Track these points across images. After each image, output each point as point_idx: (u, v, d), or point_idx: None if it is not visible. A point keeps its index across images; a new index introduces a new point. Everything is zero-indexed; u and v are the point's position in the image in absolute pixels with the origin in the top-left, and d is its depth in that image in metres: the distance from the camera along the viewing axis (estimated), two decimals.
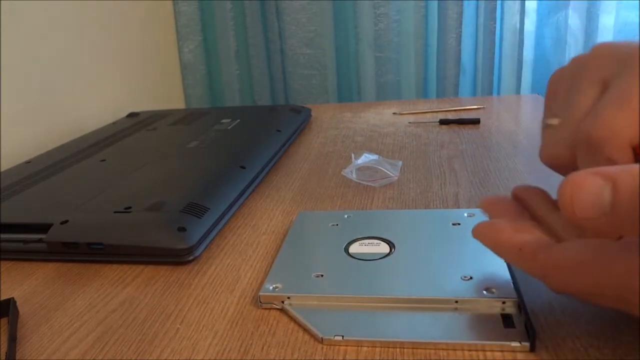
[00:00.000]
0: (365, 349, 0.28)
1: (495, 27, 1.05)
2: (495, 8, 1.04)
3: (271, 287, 0.32)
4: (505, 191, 0.47)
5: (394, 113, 0.81)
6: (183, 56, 1.14)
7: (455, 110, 0.79)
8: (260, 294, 0.32)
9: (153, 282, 0.37)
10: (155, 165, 0.54)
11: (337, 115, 0.83)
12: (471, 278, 0.31)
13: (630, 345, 0.26)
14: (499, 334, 0.27)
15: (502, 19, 1.07)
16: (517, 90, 1.09)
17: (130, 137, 0.67)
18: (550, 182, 0.29)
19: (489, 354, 0.27)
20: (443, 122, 0.72)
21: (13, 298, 0.34)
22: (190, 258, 0.38)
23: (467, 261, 0.33)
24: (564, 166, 0.29)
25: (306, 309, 0.31)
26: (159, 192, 0.45)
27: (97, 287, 0.37)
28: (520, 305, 0.28)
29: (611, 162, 0.25)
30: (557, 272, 0.24)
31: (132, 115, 0.81)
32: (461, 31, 1.06)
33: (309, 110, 0.81)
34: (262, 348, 0.29)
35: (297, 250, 0.37)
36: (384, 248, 0.36)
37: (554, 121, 0.30)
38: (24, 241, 0.41)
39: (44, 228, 0.41)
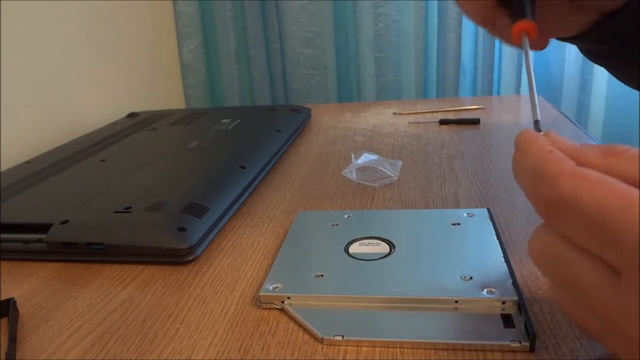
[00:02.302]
0: (365, 349, 0.28)
1: None
2: None
3: (271, 287, 0.32)
4: (506, 191, 0.47)
5: (394, 113, 0.81)
6: (183, 56, 1.14)
7: (455, 110, 0.79)
8: (260, 294, 0.32)
9: (153, 282, 0.37)
10: (155, 165, 0.54)
11: (337, 115, 0.83)
12: (471, 278, 0.31)
13: None
14: (499, 334, 0.27)
15: None
16: (517, 90, 1.09)
17: (130, 137, 0.67)
18: None
19: (488, 354, 0.27)
20: (443, 122, 0.72)
21: (13, 298, 0.34)
22: (190, 258, 0.38)
23: (467, 261, 0.33)
24: None
25: (306, 309, 0.31)
26: (159, 192, 0.45)
27: (97, 287, 0.37)
28: (520, 305, 0.28)
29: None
30: (571, 180, 0.21)
31: (132, 115, 0.81)
32: (461, 31, 1.06)
33: (309, 110, 0.81)
34: (262, 348, 0.29)
35: (297, 250, 0.37)
36: (384, 248, 0.36)
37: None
38: (24, 241, 0.41)
39: (44, 228, 0.41)
